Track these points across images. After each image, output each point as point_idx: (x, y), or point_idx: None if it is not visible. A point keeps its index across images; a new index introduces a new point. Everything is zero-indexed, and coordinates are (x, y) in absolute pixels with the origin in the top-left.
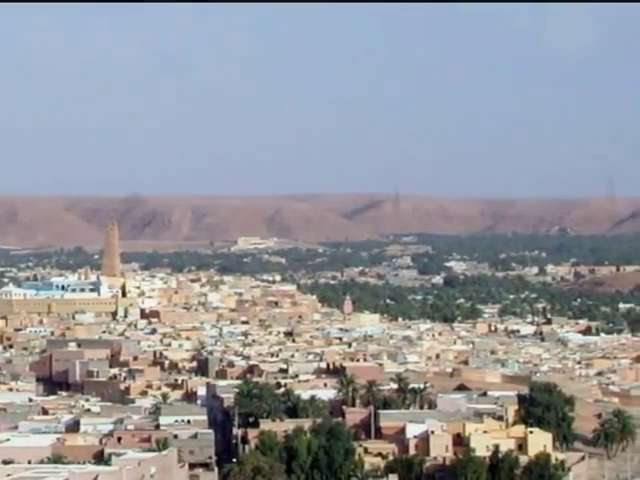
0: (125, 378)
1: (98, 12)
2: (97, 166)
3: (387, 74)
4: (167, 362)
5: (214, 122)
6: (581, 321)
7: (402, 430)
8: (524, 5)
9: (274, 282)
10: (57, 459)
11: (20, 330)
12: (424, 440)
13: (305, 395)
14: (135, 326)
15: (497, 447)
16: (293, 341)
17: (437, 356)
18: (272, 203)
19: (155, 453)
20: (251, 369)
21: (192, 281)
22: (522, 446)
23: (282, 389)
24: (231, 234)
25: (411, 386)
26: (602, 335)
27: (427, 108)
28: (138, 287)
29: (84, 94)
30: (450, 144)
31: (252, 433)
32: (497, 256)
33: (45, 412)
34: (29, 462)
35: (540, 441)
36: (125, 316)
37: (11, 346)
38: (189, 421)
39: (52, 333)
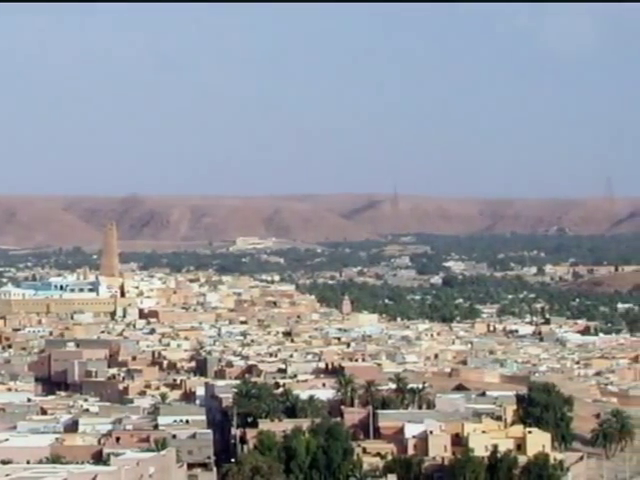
0: (124, 378)
1: (98, 12)
2: (96, 166)
3: (386, 74)
4: (166, 362)
5: (213, 122)
6: (580, 321)
7: (401, 430)
8: (524, 5)
9: (273, 282)
10: (56, 459)
11: (19, 330)
12: (423, 440)
13: (304, 395)
14: (134, 326)
15: (496, 447)
16: (292, 341)
17: (436, 356)
18: (271, 203)
19: (154, 453)
20: (250, 369)
21: (191, 281)
22: (521, 446)
23: (281, 389)
24: (230, 234)
25: (410, 386)
26: (601, 335)
27: (426, 108)
28: (137, 287)
29: (83, 94)
30: (449, 144)
31: (251, 433)
32: (496, 256)
33: (44, 412)
34: (28, 462)
35: (539, 441)
36: (124, 316)
37: (10, 346)
38: (188, 421)
39: (51, 333)
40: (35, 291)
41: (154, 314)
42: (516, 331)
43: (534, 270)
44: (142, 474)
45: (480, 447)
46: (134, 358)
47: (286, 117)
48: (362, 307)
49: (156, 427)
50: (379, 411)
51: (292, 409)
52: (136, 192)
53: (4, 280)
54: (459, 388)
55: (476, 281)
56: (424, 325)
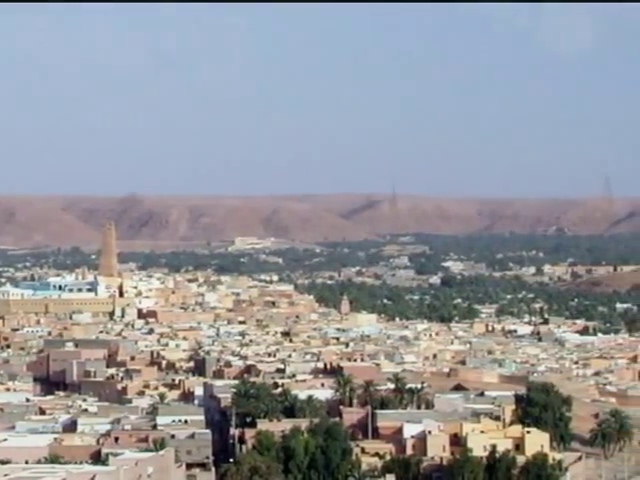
0: (122, 378)
1: (98, 12)
2: (94, 166)
3: (386, 74)
4: (164, 362)
5: (212, 122)
6: (578, 321)
7: (399, 430)
8: (523, 5)
9: (271, 282)
10: (54, 459)
11: (17, 330)
12: (421, 440)
13: (302, 395)
14: (132, 326)
15: (494, 447)
16: (290, 341)
17: (434, 356)
18: (269, 203)
19: (152, 453)
20: (248, 369)
21: (189, 281)
22: (519, 446)
23: (279, 389)
24: (228, 234)
25: (408, 386)
26: (599, 335)
27: (425, 108)
28: (135, 287)
29: (82, 94)
30: (447, 144)
31: (249, 433)
32: (494, 256)
33: (42, 412)
34: (26, 462)
35: (537, 441)
36: (122, 316)
37: (8, 346)
38: (186, 421)
39: (49, 333)
40: (34, 291)
41: (153, 314)
42: (515, 331)
43: (533, 270)
44: (141, 474)
45: (479, 447)
46: (133, 358)
47: (284, 117)
48: (361, 307)
49: (155, 427)
50: (378, 411)
51: (291, 409)
52: (135, 192)
53: (3, 280)
54: (458, 388)
55: (475, 281)
56: (423, 325)
